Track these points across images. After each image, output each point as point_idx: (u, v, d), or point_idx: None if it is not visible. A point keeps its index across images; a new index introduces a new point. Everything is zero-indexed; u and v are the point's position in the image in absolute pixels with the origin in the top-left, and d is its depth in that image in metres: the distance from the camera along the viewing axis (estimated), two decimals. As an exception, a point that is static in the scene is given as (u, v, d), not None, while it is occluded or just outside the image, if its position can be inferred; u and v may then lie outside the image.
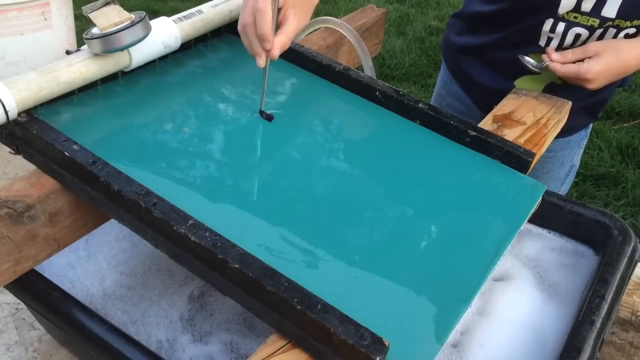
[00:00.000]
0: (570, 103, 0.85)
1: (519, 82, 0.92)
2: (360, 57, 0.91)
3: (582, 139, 1.07)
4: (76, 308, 0.61)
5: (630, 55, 0.82)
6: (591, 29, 0.84)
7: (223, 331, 0.67)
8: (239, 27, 0.71)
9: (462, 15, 1.03)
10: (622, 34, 0.84)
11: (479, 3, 0.96)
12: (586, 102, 0.97)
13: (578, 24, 0.84)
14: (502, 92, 0.87)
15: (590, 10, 0.82)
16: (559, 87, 0.88)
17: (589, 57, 0.82)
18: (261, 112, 0.73)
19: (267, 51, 0.70)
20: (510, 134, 0.76)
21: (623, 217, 1.95)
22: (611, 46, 0.82)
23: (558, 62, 0.84)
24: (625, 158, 2.24)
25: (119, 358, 0.57)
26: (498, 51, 0.95)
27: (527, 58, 0.88)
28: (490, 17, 0.94)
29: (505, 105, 0.83)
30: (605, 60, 0.81)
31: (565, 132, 1.01)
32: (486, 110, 0.83)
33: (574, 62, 0.83)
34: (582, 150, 1.09)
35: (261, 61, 0.70)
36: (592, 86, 0.83)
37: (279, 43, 0.70)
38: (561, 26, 0.85)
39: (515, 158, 0.71)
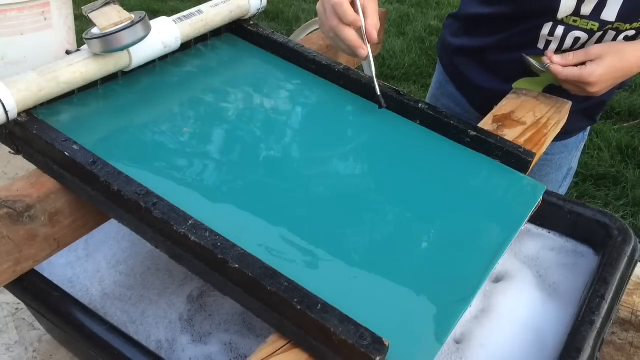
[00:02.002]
0: (570, 103, 0.84)
1: (517, 84, 0.92)
2: (360, 57, 0.91)
3: (580, 141, 1.06)
4: (76, 308, 0.61)
5: (633, 57, 0.81)
6: (590, 33, 0.83)
7: (222, 331, 0.67)
8: (328, 35, 0.76)
9: (458, 16, 1.02)
10: (621, 36, 0.83)
11: (476, 5, 0.95)
12: (585, 105, 0.96)
13: (577, 28, 0.83)
14: (499, 94, 0.86)
15: (590, 14, 0.81)
16: (558, 89, 0.88)
17: (591, 60, 0.80)
18: (379, 97, 0.75)
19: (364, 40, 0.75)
20: (510, 134, 0.76)
21: (623, 217, 1.95)
22: (613, 49, 0.80)
23: (559, 64, 0.82)
24: (625, 158, 2.24)
25: (119, 358, 0.57)
26: (496, 53, 0.94)
27: (529, 58, 0.86)
28: (488, 19, 0.94)
29: (505, 105, 0.83)
30: (608, 63, 0.79)
31: (563, 135, 1.01)
32: (483, 112, 0.82)
33: (576, 65, 0.82)
34: (579, 153, 1.09)
35: (363, 51, 0.74)
36: (594, 90, 0.81)
37: (371, 26, 0.74)
38: (560, 29, 0.84)
39: (515, 158, 0.71)
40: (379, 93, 0.75)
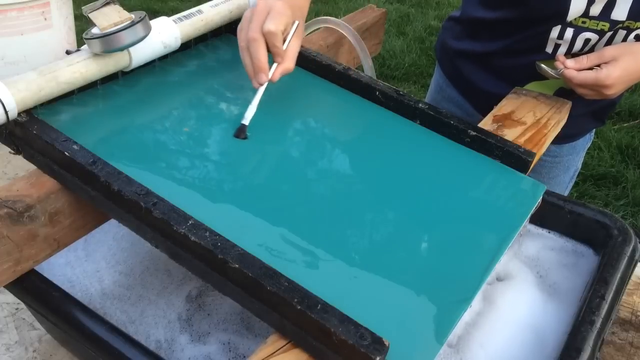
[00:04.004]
0: (570, 103, 0.84)
1: (527, 88, 0.91)
2: (360, 57, 0.91)
3: (586, 142, 1.06)
4: (76, 308, 0.61)
5: None
6: (601, 33, 0.81)
7: (221, 331, 0.67)
8: (240, 42, 0.70)
9: (460, 19, 1.00)
10: (631, 35, 0.82)
11: (480, 9, 0.93)
12: (594, 107, 0.95)
13: (587, 29, 0.81)
14: None
15: (599, 14, 0.79)
16: (569, 92, 0.86)
17: (606, 63, 0.79)
18: (242, 125, 0.69)
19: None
20: (510, 134, 0.76)
21: (623, 217, 1.95)
22: (628, 50, 0.79)
23: (573, 69, 0.80)
24: (625, 158, 2.24)
25: (119, 358, 0.57)
26: (502, 58, 0.92)
27: (543, 65, 0.85)
28: (493, 24, 0.92)
29: (505, 105, 0.83)
30: (624, 65, 0.78)
31: (572, 137, 1.00)
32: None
33: (590, 69, 0.80)
34: (584, 153, 1.09)
35: (264, 78, 0.69)
36: (611, 92, 0.80)
37: (283, 68, 0.70)
38: (569, 32, 0.83)
39: (516, 158, 0.71)
40: (246, 123, 0.69)
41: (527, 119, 0.79)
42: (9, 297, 0.78)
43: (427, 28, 3.15)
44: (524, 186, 0.70)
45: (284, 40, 0.70)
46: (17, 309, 0.78)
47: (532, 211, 0.67)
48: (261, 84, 0.70)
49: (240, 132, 0.69)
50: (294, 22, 0.71)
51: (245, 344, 0.66)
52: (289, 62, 0.71)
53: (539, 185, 0.70)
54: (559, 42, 0.85)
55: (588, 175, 2.14)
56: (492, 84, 0.95)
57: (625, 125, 2.42)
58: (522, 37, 0.88)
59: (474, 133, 0.73)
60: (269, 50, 0.69)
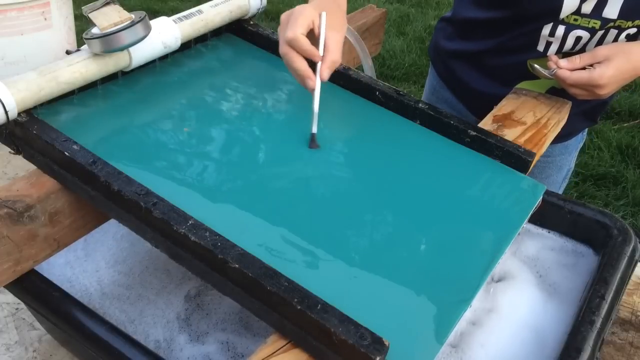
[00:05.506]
0: (570, 103, 0.84)
1: (519, 87, 0.91)
2: (360, 57, 0.91)
3: (579, 142, 1.06)
4: (76, 308, 0.61)
5: None
6: (592, 31, 0.82)
7: (219, 331, 0.67)
8: (281, 50, 0.70)
9: (452, 20, 1.00)
10: (623, 34, 0.82)
11: (472, 9, 0.93)
12: (586, 107, 0.95)
13: (578, 27, 0.82)
14: (498, 99, 0.85)
15: (591, 12, 0.80)
16: (559, 92, 0.86)
17: (598, 62, 0.78)
18: (312, 135, 0.70)
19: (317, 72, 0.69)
20: (510, 134, 0.76)
21: (623, 217, 1.95)
22: (620, 49, 0.79)
23: (566, 69, 0.80)
24: (625, 158, 2.24)
25: (119, 358, 0.57)
26: (494, 57, 0.93)
27: (536, 65, 0.85)
28: (485, 24, 0.92)
29: (505, 105, 0.83)
30: (617, 64, 0.78)
31: (564, 136, 1.00)
32: (482, 116, 0.81)
33: (583, 69, 0.79)
34: (577, 153, 1.09)
35: (311, 82, 0.69)
36: (604, 92, 0.79)
37: (327, 63, 0.70)
38: (561, 30, 0.83)
39: (515, 158, 0.71)
40: (314, 131, 0.70)
41: (527, 119, 0.79)
42: (9, 297, 0.78)
43: (427, 28, 3.15)
44: (524, 186, 0.70)
45: (318, 35, 0.70)
46: (17, 309, 0.78)
47: (532, 211, 0.67)
48: (312, 90, 0.70)
49: (312, 141, 0.70)
50: (320, 15, 0.71)
51: (244, 344, 0.66)
52: (330, 54, 0.70)
53: (538, 185, 0.70)
54: (551, 39, 0.85)
55: (588, 175, 2.14)
56: (484, 84, 0.95)
57: (625, 125, 2.42)
58: (514, 35, 0.88)
59: (474, 133, 0.73)
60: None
